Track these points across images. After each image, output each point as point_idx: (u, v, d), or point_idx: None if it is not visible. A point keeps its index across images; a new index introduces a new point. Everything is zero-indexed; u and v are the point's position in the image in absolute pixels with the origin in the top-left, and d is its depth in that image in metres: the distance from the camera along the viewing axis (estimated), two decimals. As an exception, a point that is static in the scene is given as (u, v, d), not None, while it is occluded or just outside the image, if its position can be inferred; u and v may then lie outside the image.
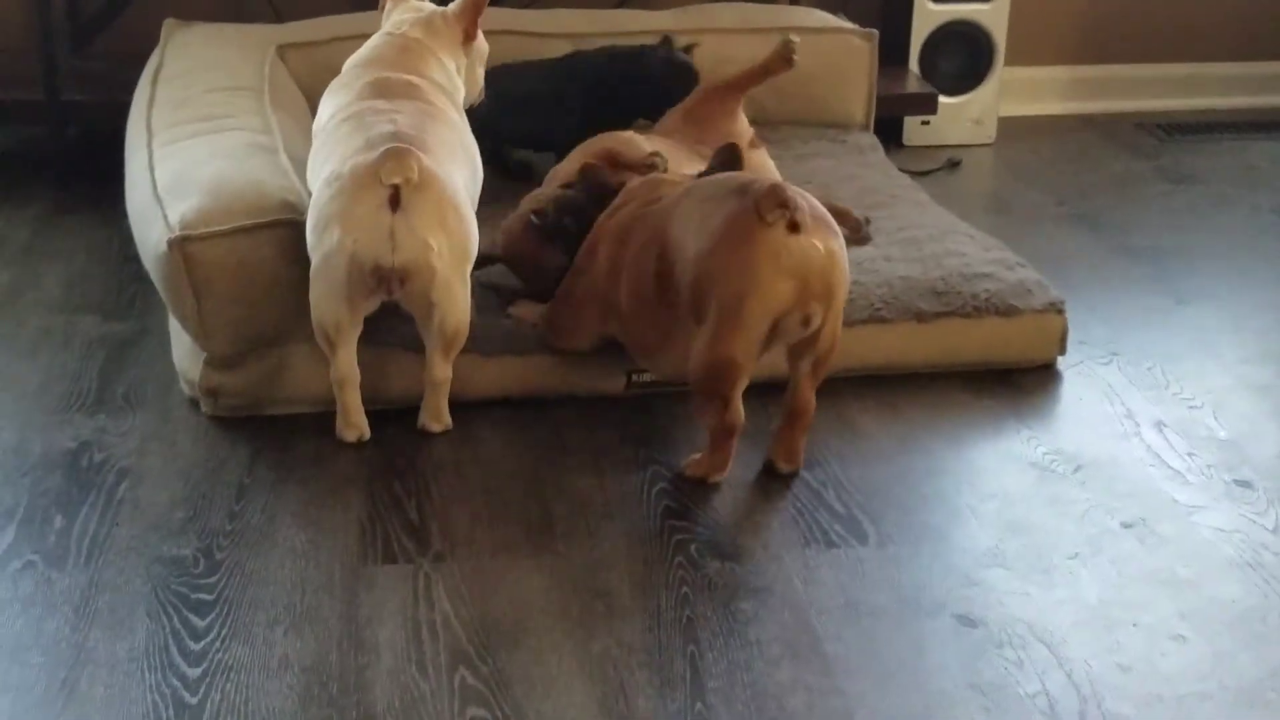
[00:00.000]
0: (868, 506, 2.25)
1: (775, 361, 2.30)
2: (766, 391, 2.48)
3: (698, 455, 2.31)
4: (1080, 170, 3.83)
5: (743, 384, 2.24)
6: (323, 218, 2.29)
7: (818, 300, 2.17)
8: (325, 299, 2.31)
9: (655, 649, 1.92)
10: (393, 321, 2.42)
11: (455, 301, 2.32)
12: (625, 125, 2.97)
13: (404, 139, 2.31)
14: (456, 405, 2.45)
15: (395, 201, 2.24)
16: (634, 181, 2.51)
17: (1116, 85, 4.29)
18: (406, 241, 2.25)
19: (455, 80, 2.64)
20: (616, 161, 2.67)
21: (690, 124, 2.90)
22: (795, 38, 2.91)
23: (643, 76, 3.10)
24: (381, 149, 2.27)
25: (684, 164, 2.67)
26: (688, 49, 3.16)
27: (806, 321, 2.19)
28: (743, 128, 2.96)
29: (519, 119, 3.11)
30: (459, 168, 2.41)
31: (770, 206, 2.14)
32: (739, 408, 2.25)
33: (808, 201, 2.21)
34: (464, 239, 2.34)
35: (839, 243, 2.22)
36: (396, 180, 2.24)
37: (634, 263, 2.33)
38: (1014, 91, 4.12)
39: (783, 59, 2.92)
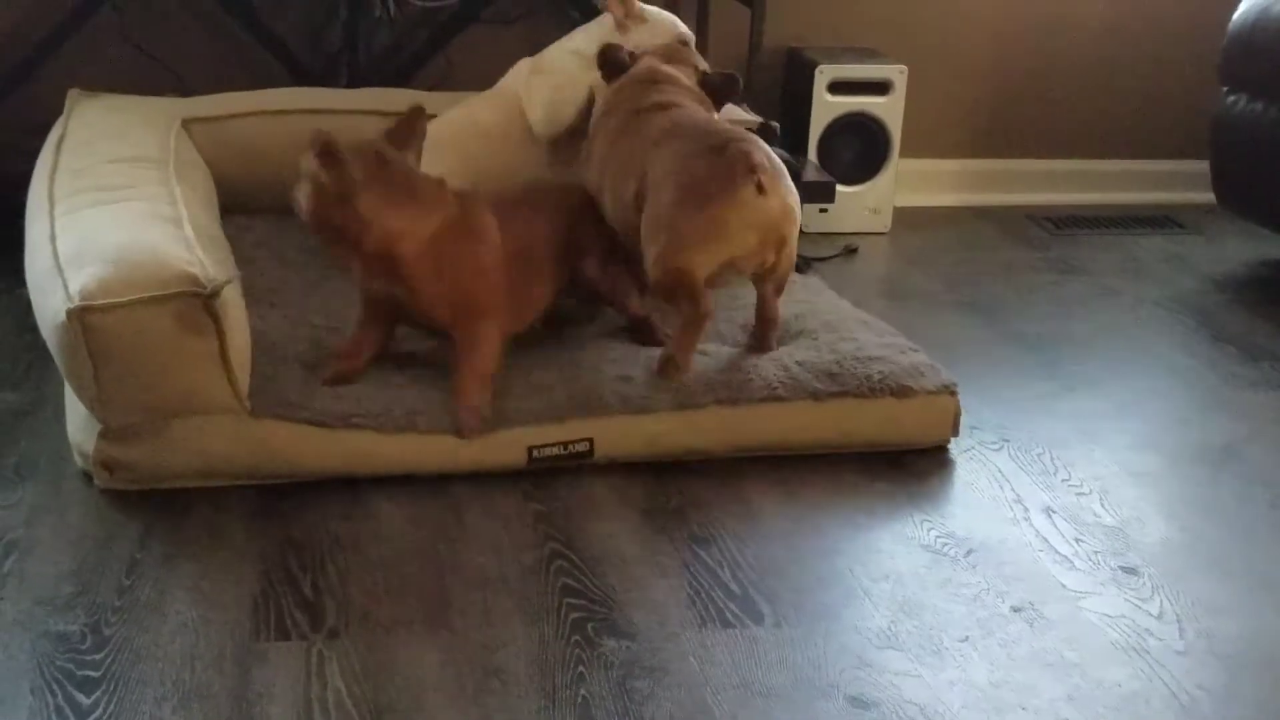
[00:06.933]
0: (763, 586, 2.28)
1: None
2: (665, 470, 2.50)
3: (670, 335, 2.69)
4: (972, 259, 3.93)
5: (703, 286, 2.59)
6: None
7: (773, 248, 2.61)
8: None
9: (550, 728, 1.92)
10: (299, 396, 2.40)
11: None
12: None
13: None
14: (354, 482, 2.44)
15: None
16: (618, 85, 2.86)
17: (1008, 179, 4.42)
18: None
19: None
20: None
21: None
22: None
23: None
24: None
25: None
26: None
27: (762, 265, 2.63)
28: None
29: None
30: None
31: (744, 171, 2.53)
32: (709, 300, 2.60)
33: (771, 162, 2.60)
34: None
35: (794, 196, 2.64)
36: None
37: (613, 186, 2.72)
38: (909, 182, 4.23)
39: None
